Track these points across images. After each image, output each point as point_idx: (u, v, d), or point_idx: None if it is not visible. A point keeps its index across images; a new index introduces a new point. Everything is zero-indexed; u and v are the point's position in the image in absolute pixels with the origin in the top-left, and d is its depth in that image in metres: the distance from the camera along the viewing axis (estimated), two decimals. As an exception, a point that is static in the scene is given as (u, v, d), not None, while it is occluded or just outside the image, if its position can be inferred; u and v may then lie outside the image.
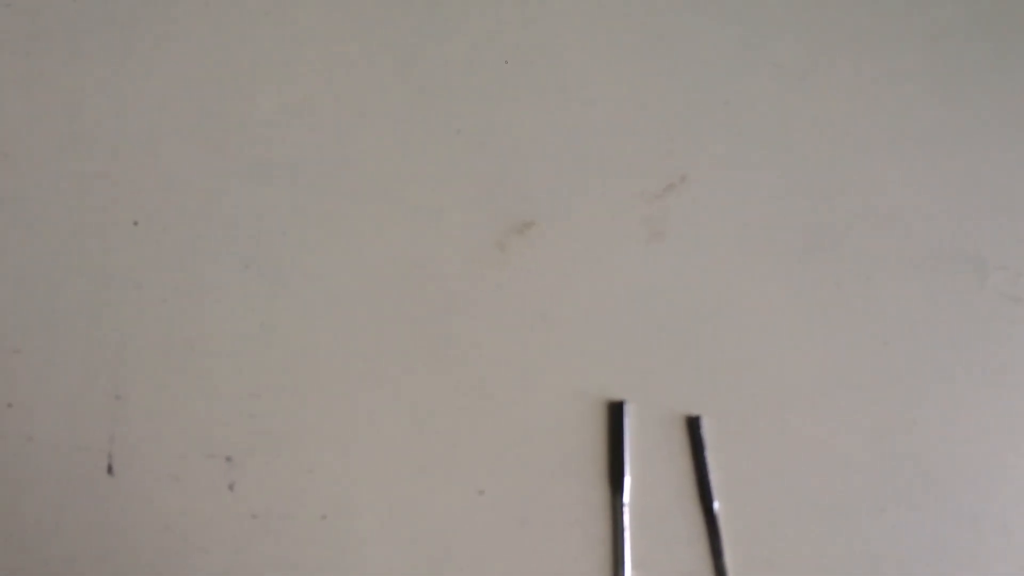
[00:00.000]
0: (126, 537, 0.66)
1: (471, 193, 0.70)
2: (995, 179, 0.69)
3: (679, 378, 0.67)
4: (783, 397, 0.66)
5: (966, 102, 0.70)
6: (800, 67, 0.71)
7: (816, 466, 0.65)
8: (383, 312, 0.68)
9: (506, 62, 0.71)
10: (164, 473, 0.66)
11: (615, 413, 0.66)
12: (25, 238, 0.70)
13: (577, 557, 0.65)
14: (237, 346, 0.68)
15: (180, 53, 0.72)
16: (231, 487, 0.66)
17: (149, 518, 0.66)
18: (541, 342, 0.68)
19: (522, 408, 0.67)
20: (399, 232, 0.69)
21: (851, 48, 0.71)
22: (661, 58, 0.71)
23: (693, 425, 0.66)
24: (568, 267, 0.69)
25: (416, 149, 0.70)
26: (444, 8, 0.72)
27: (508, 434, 0.66)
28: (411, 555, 0.66)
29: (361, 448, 0.67)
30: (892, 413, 0.66)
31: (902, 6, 0.71)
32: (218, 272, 0.69)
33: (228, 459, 0.67)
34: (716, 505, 0.65)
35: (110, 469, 0.67)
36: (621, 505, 0.65)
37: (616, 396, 0.67)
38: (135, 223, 0.70)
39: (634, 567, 0.65)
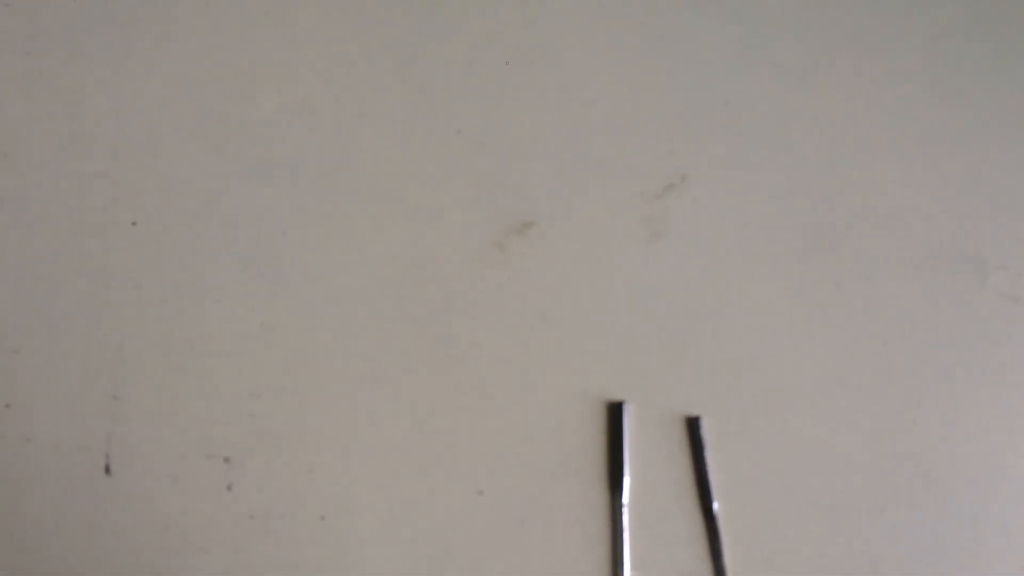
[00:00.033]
0: (124, 538, 0.66)
1: (471, 193, 0.70)
2: (995, 179, 0.69)
3: (678, 378, 0.67)
4: (783, 397, 0.66)
5: (966, 102, 0.70)
6: (800, 67, 0.70)
7: (816, 466, 0.65)
8: (382, 312, 0.68)
9: (507, 63, 0.71)
10: (162, 473, 0.66)
11: (614, 413, 0.66)
12: (24, 238, 0.70)
13: (576, 558, 0.65)
14: (236, 346, 0.68)
15: (179, 53, 0.72)
16: (229, 487, 0.66)
17: (147, 518, 0.66)
18: (540, 342, 0.68)
19: (521, 408, 0.67)
20: (399, 232, 0.69)
21: (851, 48, 0.71)
22: (661, 58, 0.71)
23: (692, 425, 0.66)
24: (568, 267, 0.68)
25: (416, 149, 0.70)
26: (444, 8, 0.72)
27: (507, 434, 0.66)
28: (410, 556, 0.65)
29: (360, 448, 0.66)
30: (892, 413, 0.66)
31: (902, 6, 0.71)
32: (217, 272, 0.69)
33: (226, 459, 0.66)
34: (715, 506, 0.65)
35: (108, 469, 0.67)
36: (620, 506, 0.65)
37: (615, 396, 0.67)
38: (134, 223, 0.70)
39: (633, 568, 0.64)
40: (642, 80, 0.71)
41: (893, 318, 0.67)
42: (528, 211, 0.69)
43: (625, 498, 0.65)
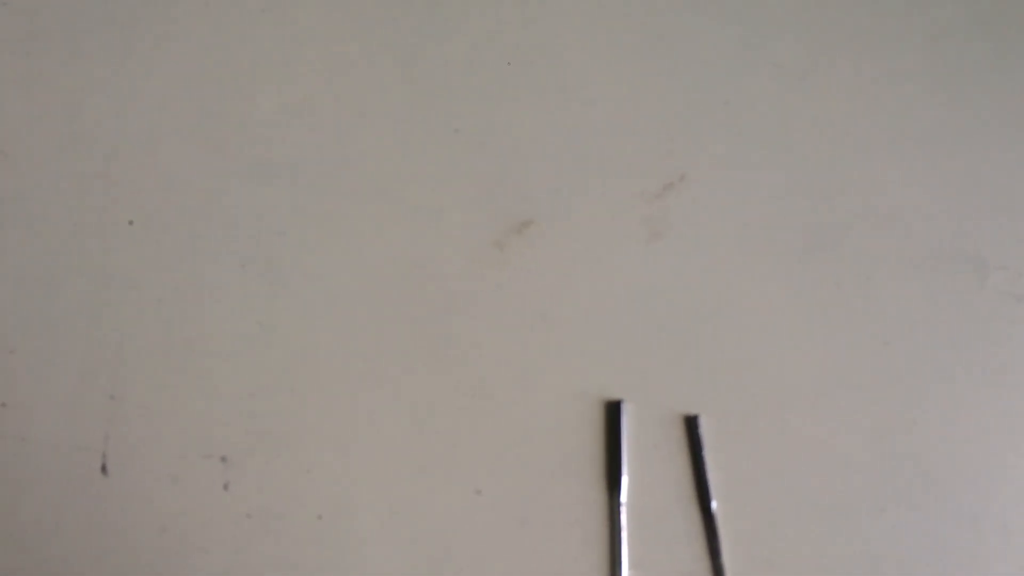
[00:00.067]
0: (121, 538, 0.66)
1: (470, 192, 0.69)
2: (995, 178, 0.68)
3: (677, 377, 0.67)
4: (782, 396, 0.66)
5: (966, 102, 0.69)
6: (800, 67, 0.70)
7: (815, 466, 0.65)
8: (381, 311, 0.68)
9: (509, 63, 0.71)
10: (159, 473, 0.66)
11: (612, 412, 0.66)
12: (21, 237, 0.70)
13: (574, 557, 0.65)
14: (234, 346, 0.68)
15: (178, 52, 0.72)
16: (226, 487, 0.66)
17: (144, 518, 0.66)
18: (539, 341, 0.67)
19: (519, 407, 0.66)
20: (397, 231, 0.69)
21: (851, 48, 0.70)
22: (660, 57, 0.71)
23: (691, 424, 0.65)
24: (567, 266, 0.68)
25: (415, 148, 0.70)
26: (444, 8, 0.72)
27: (506, 434, 0.66)
28: (409, 556, 0.65)
29: (358, 448, 0.66)
30: (892, 412, 0.66)
31: (902, 6, 0.71)
32: (215, 272, 0.69)
33: (223, 459, 0.66)
34: (714, 505, 0.65)
35: (104, 469, 0.66)
36: (618, 505, 0.65)
37: (614, 395, 0.66)
38: (131, 222, 0.70)
39: (631, 567, 0.64)
40: (642, 79, 0.71)
41: (893, 317, 0.67)
42: (527, 210, 0.69)
43: (623, 497, 0.65)
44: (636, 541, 0.64)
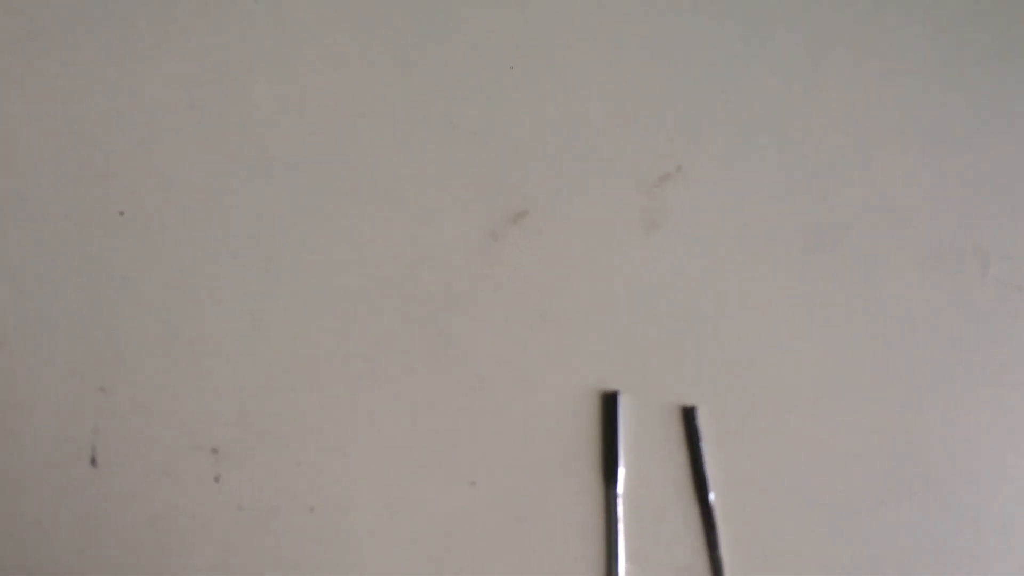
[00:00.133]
0: (110, 530, 0.65)
1: (464, 182, 0.69)
2: (996, 171, 0.68)
3: (674, 368, 0.66)
4: (781, 388, 0.66)
5: (967, 94, 0.69)
6: (799, 59, 0.70)
7: (814, 458, 0.65)
8: (375, 303, 0.68)
9: (506, 59, 0.70)
10: (149, 465, 0.66)
11: (609, 404, 0.65)
12: (10, 229, 0.69)
13: (570, 549, 0.64)
14: (225, 337, 0.67)
15: (172, 43, 0.71)
16: (217, 479, 0.66)
17: (133, 511, 0.65)
18: (534, 332, 0.67)
19: (515, 399, 0.66)
20: (391, 222, 0.69)
21: (851, 40, 0.70)
22: (658, 47, 0.70)
23: (689, 416, 0.65)
24: (562, 257, 0.68)
25: (409, 139, 0.70)
26: (441, 2, 0.72)
27: (500, 425, 0.66)
28: (402, 548, 0.65)
29: (351, 440, 0.66)
30: (891, 405, 0.65)
31: (902, -2, 0.71)
32: (207, 263, 0.68)
33: (214, 451, 0.66)
34: (712, 497, 0.64)
35: (93, 461, 0.66)
36: (615, 496, 0.64)
37: (610, 386, 0.66)
38: (121, 213, 0.69)
39: (628, 559, 0.64)
40: (639, 69, 0.70)
41: (893, 309, 0.66)
42: (522, 201, 0.69)
43: (620, 489, 0.64)
44: (633, 533, 0.64)
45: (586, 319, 0.67)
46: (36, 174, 0.70)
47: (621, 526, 0.64)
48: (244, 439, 0.65)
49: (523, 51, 0.70)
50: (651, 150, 0.69)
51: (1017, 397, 0.65)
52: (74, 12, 0.71)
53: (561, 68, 0.70)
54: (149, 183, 0.69)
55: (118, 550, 0.65)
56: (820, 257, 0.67)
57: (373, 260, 0.68)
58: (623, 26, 0.70)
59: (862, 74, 0.69)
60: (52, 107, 0.71)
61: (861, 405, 0.65)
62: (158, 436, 0.66)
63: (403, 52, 0.70)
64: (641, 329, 0.67)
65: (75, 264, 0.68)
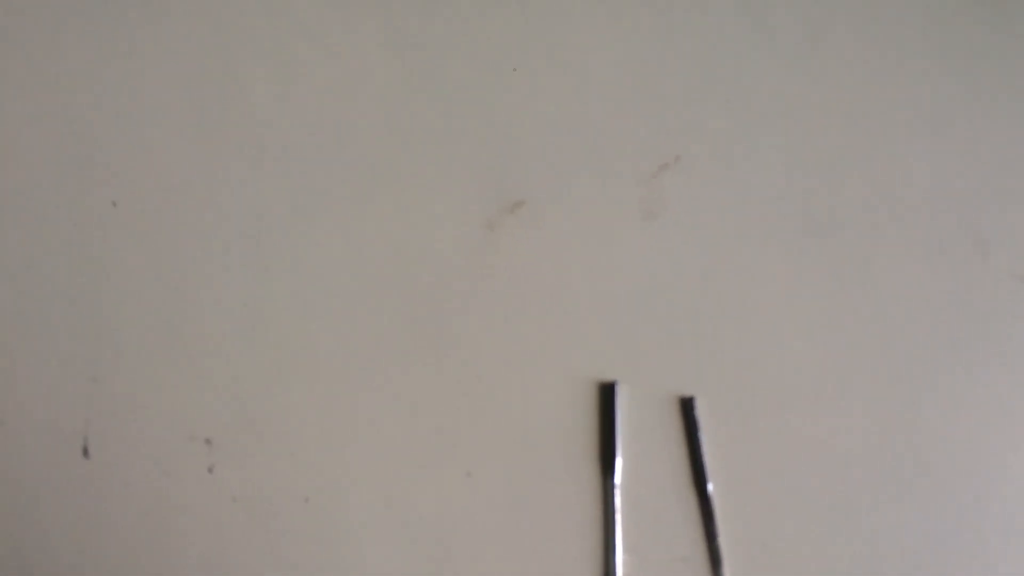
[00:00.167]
0: (102, 522, 0.65)
1: (460, 172, 0.68)
2: (997, 159, 0.68)
3: (673, 359, 0.66)
4: (780, 378, 0.65)
5: (969, 81, 0.69)
6: (799, 46, 0.69)
7: (813, 449, 0.64)
8: (370, 293, 0.67)
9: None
10: (142, 456, 0.65)
11: (607, 394, 0.65)
12: (1, 219, 0.69)
13: (567, 540, 0.64)
14: (218, 327, 0.67)
15: (165, 33, 0.71)
16: (211, 470, 0.65)
17: (126, 502, 0.65)
18: (531, 322, 0.66)
19: (511, 389, 0.65)
20: (386, 212, 0.68)
21: (851, 28, 0.70)
22: (656, 35, 0.70)
23: (687, 406, 0.65)
24: (559, 247, 0.67)
25: (405, 128, 0.69)
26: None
27: (497, 415, 0.65)
28: (398, 539, 0.64)
29: (346, 430, 0.65)
30: (891, 396, 0.65)
31: (903, -18, 0.70)
32: (199, 254, 0.68)
33: (208, 441, 0.65)
34: (710, 487, 0.64)
35: (86, 452, 0.66)
36: (612, 487, 0.64)
37: (608, 377, 0.65)
38: (114, 203, 0.69)
39: (626, 551, 0.63)
40: (637, 58, 0.70)
41: (893, 297, 0.66)
42: (519, 190, 0.68)
43: (617, 479, 0.64)
44: (631, 524, 0.64)
45: (584, 309, 0.66)
46: (27, 164, 0.69)
47: (619, 517, 0.63)
48: (238, 429, 0.65)
49: (520, 41, 0.70)
50: (649, 139, 0.68)
51: (1018, 386, 0.64)
52: (66, 1, 0.71)
53: (559, 57, 0.70)
54: (142, 173, 0.69)
55: (111, 542, 0.64)
56: (819, 247, 0.67)
57: (368, 251, 0.68)
58: (621, 15, 0.70)
59: (861, 63, 0.69)
60: (43, 96, 0.70)
61: (860, 395, 0.65)
62: (151, 427, 0.65)
63: (398, 42, 0.70)
64: (639, 319, 0.66)
65: (67, 255, 0.68)
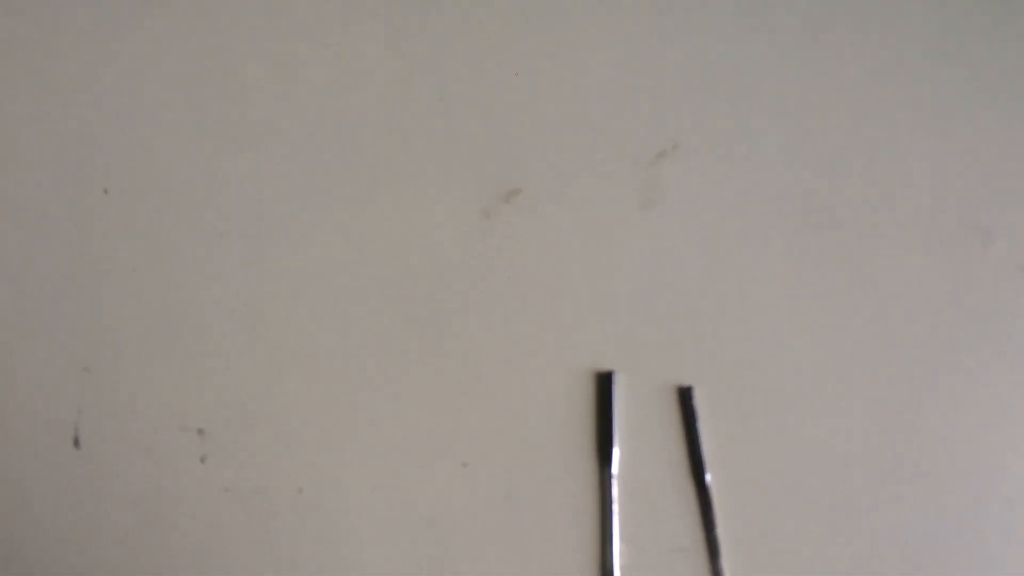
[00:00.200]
0: (93, 512, 0.64)
1: (455, 159, 0.68)
2: (998, 149, 0.67)
3: (670, 348, 0.65)
4: (778, 368, 0.65)
5: (971, 71, 0.68)
6: (799, 32, 0.69)
7: (812, 439, 0.64)
8: (364, 282, 0.67)
9: (497, 29, 0.69)
10: (134, 446, 0.65)
11: (604, 384, 0.64)
12: (-8, 206, 0.68)
13: (564, 531, 0.63)
14: (211, 316, 0.66)
15: (156, 17, 0.70)
16: (203, 460, 0.65)
17: (117, 493, 0.64)
18: (527, 311, 0.66)
19: (507, 379, 0.65)
20: (381, 200, 0.68)
21: (851, 15, 0.69)
22: (654, 21, 0.69)
23: (685, 396, 0.64)
24: (556, 236, 0.67)
25: (399, 115, 0.68)
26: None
27: (493, 405, 0.65)
28: (392, 530, 0.64)
29: (340, 420, 0.65)
30: (891, 386, 0.64)
31: (902, -31, 0.70)
32: (192, 242, 0.68)
33: (200, 431, 0.65)
34: (708, 477, 0.63)
35: (77, 442, 0.65)
36: (610, 477, 0.63)
37: (605, 366, 0.65)
38: (105, 191, 0.68)
39: (623, 541, 0.63)
40: (634, 45, 0.69)
41: (893, 289, 0.65)
42: (515, 178, 0.68)
43: (614, 469, 0.63)
44: (628, 514, 0.63)
45: (580, 298, 0.66)
46: (17, 152, 0.69)
47: (616, 508, 0.63)
48: (231, 420, 0.65)
49: (517, 30, 0.69)
50: (647, 127, 0.68)
51: (1019, 376, 0.64)
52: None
53: (555, 45, 0.69)
54: (133, 161, 0.68)
55: (102, 533, 0.64)
56: (818, 236, 0.66)
57: (363, 240, 0.67)
58: (618, 1, 0.69)
59: (862, 50, 0.68)
60: (35, 84, 0.70)
61: (859, 387, 0.64)
62: (143, 417, 0.65)
63: (394, 32, 0.69)
64: (637, 308, 0.66)
65: (58, 243, 0.68)
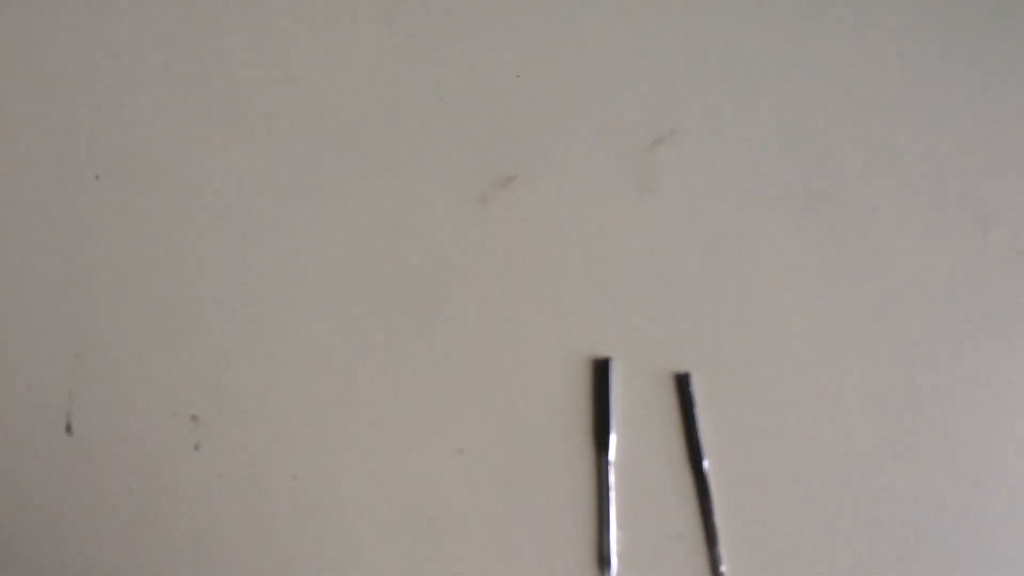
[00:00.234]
0: (86, 500, 0.64)
1: (452, 145, 0.67)
2: (998, 133, 0.67)
3: (668, 334, 0.65)
4: (777, 353, 0.64)
5: (970, 53, 0.68)
6: (796, 15, 0.68)
7: (810, 425, 0.63)
8: (359, 268, 0.66)
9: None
10: (126, 433, 0.64)
11: (601, 370, 0.64)
12: (-17, 191, 0.68)
13: (561, 518, 0.63)
14: (204, 302, 0.66)
15: (149, 1, 0.69)
16: (197, 447, 0.64)
17: (110, 480, 0.64)
18: (524, 298, 0.65)
19: (503, 365, 0.65)
20: (376, 186, 0.67)
21: (848, -4, 0.69)
22: (649, 5, 0.69)
23: (682, 382, 0.64)
24: (552, 222, 0.66)
25: (395, 101, 0.68)
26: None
27: (489, 392, 0.64)
28: (387, 518, 0.63)
29: (334, 406, 0.64)
30: (889, 368, 0.64)
31: (901, -48, 0.69)
32: (185, 227, 0.67)
33: (194, 418, 0.64)
34: (706, 464, 0.63)
35: (69, 428, 0.65)
36: (607, 464, 0.63)
37: (602, 353, 0.65)
38: (97, 177, 0.68)
39: (620, 528, 0.63)
40: (631, 29, 0.69)
41: (891, 273, 0.65)
42: (512, 164, 0.67)
43: (612, 456, 0.63)
44: (625, 502, 0.63)
45: (577, 285, 0.66)
46: (8, 137, 0.68)
47: (613, 494, 0.63)
48: (224, 406, 0.64)
49: (514, 15, 0.69)
50: (644, 112, 0.67)
51: (1017, 360, 0.64)
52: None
53: (551, 29, 0.69)
54: (125, 146, 0.68)
55: (95, 519, 0.63)
56: (816, 222, 0.66)
57: (358, 225, 0.67)
58: (616, -17, 0.69)
59: (860, 32, 0.68)
60: (25, 68, 0.69)
61: (858, 373, 0.64)
62: (136, 403, 0.64)
63: (389, 16, 0.69)
64: (634, 295, 0.65)
65: (50, 229, 0.67)
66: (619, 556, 0.62)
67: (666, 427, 0.64)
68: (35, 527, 0.64)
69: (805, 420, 0.63)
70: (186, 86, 0.68)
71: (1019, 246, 0.65)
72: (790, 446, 0.63)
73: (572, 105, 0.68)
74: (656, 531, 0.62)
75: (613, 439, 0.63)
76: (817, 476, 0.63)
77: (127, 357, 0.65)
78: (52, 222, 0.67)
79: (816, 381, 0.64)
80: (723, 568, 0.62)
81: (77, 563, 0.63)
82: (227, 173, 0.67)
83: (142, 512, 0.63)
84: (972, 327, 0.64)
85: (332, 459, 0.64)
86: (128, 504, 0.63)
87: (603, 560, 0.62)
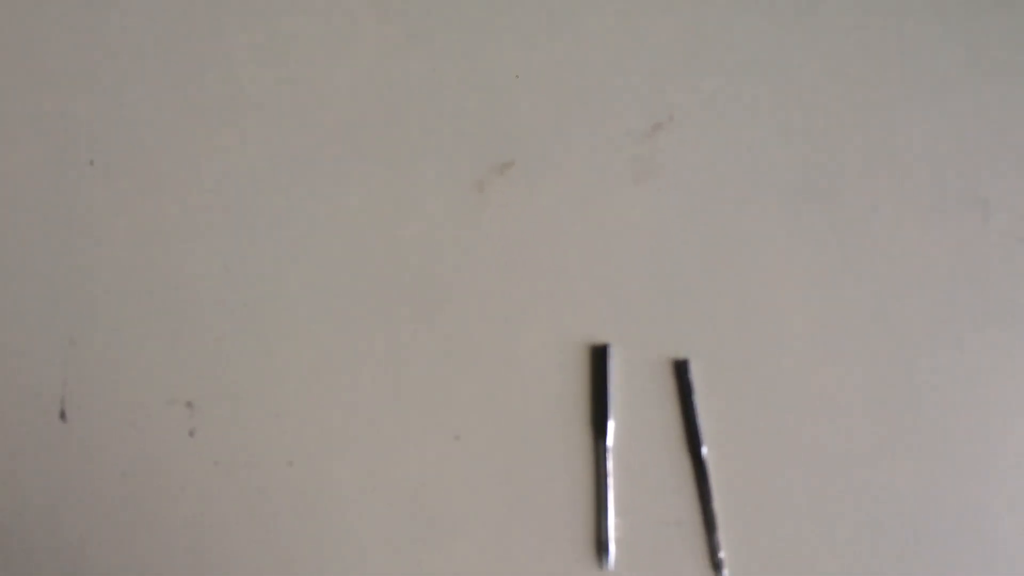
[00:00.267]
0: (80, 486, 0.63)
1: (449, 132, 0.67)
2: (999, 121, 0.67)
3: (666, 321, 0.64)
4: (776, 340, 0.64)
5: (970, 41, 0.67)
6: (795, 1, 0.68)
7: (809, 411, 0.63)
8: (356, 254, 0.66)
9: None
10: (121, 419, 0.64)
11: (599, 357, 0.64)
12: (-25, 177, 0.67)
13: (559, 503, 0.63)
14: (199, 288, 0.65)
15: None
16: (192, 433, 0.64)
17: (105, 466, 0.63)
18: (521, 284, 0.65)
19: (501, 352, 0.64)
20: (373, 172, 0.67)
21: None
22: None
23: (681, 369, 0.63)
24: (550, 208, 0.66)
25: (392, 87, 0.67)
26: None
27: (487, 378, 0.64)
28: (384, 503, 0.63)
29: (331, 392, 0.64)
30: (889, 355, 0.64)
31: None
32: (179, 213, 0.66)
33: (189, 404, 0.64)
34: (704, 450, 0.62)
35: (63, 415, 0.64)
36: (605, 450, 0.63)
37: (600, 339, 0.64)
38: (91, 162, 0.67)
39: (618, 514, 0.62)
40: (630, 15, 0.68)
41: (891, 260, 0.65)
42: (509, 150, 0.67)
43: (610, 442, 0.63)
44: (623, 488, 0.62)
45: (575, 271, 0.65)
46: (2, 124, 0.68)
47: (611, 480, 0.62)
48: (220, 392, 0.64)
49: (512, 1, 0.68)
50: (643, 98, 0.67)
51: (1019, 347, 0.64)
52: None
53: (550, 14, 0.68)
54: (119, 132, 0.67)
55: (90, 506, 0.63)
56: (816, 208, 0.66)
57: (355, 210, 0.66)
58: (614, -33, 0.68)
59: (861, 21, 0.68)
60: (19, 54, 0.68)
61: (858, 356, 0.64)
62: (130, 389, 0.64)
63: (386, 2, 0.68)
64: (632, 281, 0.65)
65: (44, 215, 0.67)
66: (617, 542, 0.62)
67: (664, 414, 0.63)
68: (30, 515, 0.63)
69: (803, 407, 0.63)
70: (181, 71, 0.68)
71: (1020, 233, 0.65)
72: (788, 432, 0.63)
73: (569, 91, 0.67)
74: (654, 517, 0.62)
75: (611, 426, 0.63)
76: (815, 462, 0.63)
77: (121, 343, 0.64)
78: (46, 208, 0.66)
79: (814, 368, 0.64)
80: (721, 554, 0.61)
81: (72, 550, 0.63)
82: (221, 159, 0.67)
83: (137, 499, 0.63)
84: (973, 312, 0.64)
85: (328, 445, 0.63)
86: (123, 491, 0.63)
87: (601, 546, 0.62)
